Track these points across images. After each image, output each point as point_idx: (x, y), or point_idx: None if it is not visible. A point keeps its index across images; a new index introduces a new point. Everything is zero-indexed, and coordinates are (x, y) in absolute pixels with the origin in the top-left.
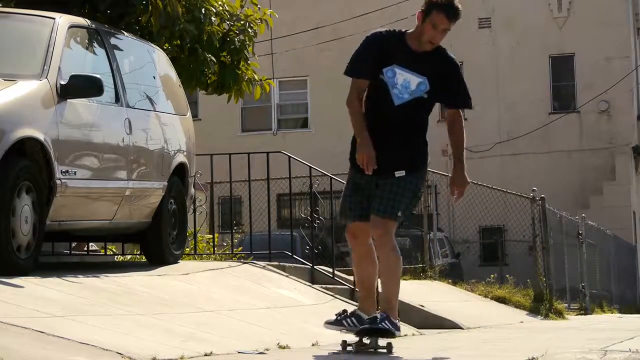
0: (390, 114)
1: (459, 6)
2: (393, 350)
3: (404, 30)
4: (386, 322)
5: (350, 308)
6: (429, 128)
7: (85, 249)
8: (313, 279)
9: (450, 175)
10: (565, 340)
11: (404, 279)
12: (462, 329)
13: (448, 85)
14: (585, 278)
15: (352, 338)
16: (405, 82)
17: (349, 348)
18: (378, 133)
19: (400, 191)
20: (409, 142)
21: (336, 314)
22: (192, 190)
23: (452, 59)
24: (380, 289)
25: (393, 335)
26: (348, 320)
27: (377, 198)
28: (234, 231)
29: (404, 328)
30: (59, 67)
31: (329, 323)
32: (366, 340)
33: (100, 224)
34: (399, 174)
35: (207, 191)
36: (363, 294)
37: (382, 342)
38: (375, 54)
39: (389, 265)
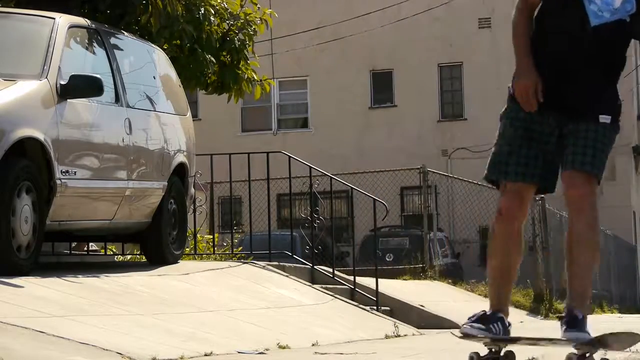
0: (584, 38)
1: None
2: None
3: None
4: (587, 327)
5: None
6: (428, 128)
7: (85, 249)
8: (313, 279)
9: None
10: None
11: (404, 279)
12: None
13: None
14: None
15: (483, 349)
16: None
17: None
18: (565, 61)
19: (607, 142)
20: (607, 79)
21: (475, 319)
22: (192, 190)
23: None
24: (572, 277)
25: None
26: (495, 325)
27: (577, 148)
28: (234, 231)
29: (404, 328)
30: (59, 67)
31: (475, 327)
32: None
33: (100, 224)
34: (605, 119)
35: (207, 191)
36: (503, 288)
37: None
38: None
39: (590, 239)
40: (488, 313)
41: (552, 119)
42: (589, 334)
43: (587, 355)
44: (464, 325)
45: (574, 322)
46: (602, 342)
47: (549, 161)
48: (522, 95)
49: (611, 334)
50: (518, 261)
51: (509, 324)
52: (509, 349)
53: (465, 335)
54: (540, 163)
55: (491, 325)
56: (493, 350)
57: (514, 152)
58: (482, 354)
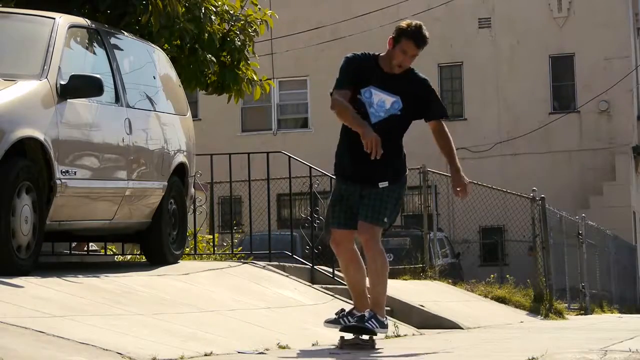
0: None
1: (427, 34)
2: (376, 346)
3: (377, 53)
4: (372, 320)
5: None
6: (428, 128)
7: (85, 249)
8: (313, 279)
9: (450, 178)
10: (565, 340)
11: (404, 279)
12: (462, 329)
13: (421, 102)
14: (585, 278)
15: (351, 335)
16: (381, 102)
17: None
18: (360, 149)
19: (385, 199)
20: (389, 155)
21: (335, 313)
22: (192, 190)
23: (421, 79)
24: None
25: (374, 333)
26: (345, 319)
27: (363, 206)
28: (234, 231)
29: (404, 328)
30: (59, 67)
31: (328, 322)
32: (348, 336)
33: (100, 224)
34: (383, 184)
35: (207, 191)
36: (355, 296)
37: (365, 338)
38: (353, 73)
39: (376, 267)
40: (344, 312)
41: (356, 186)
42: (368, 326)
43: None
44: (325, 320)
45: (360, 319)
46: (351, 329)
47: (356, 213)
48: (370, 147)
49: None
50: (362, 272)
51: (364, 316)
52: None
53: (327, 325)
54: (350, 215)
55: (341, 320)
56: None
57: (334, 210)
58: (346, 338)
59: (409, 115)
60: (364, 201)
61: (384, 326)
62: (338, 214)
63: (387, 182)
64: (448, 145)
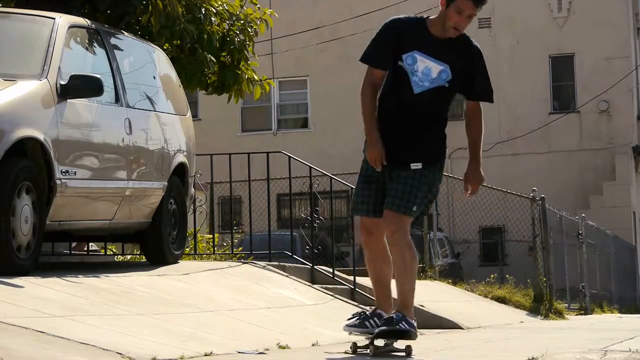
0: (409, 103)
1: None
2: (412, 354)
3: (425, 16)
4: (403, 323)
5: (349, 308)
6: None
7: (85, 249)
8: (313, 279)
9: (466, 172)
10: (565, 340)
11: None
12: (462, 329)
13: (471, 75)
14: (585, 278)
15: (362, 340)
16: (426, 70)
17: (360, 351)
18: (395, 122)
19: (417, 184)
20: (428, 133)
21: (354, 315)
22: (192, 190)
23: (477, 48)
24: (395, 288)
25: (411, 337)
26: (370, 321)
27: (391, 191)
28: (234, 231)
29: None
30: (59, 67)
31: (351, 326)
32: (379, 343)
33: (100, 224)
34: (415, 166)
35: (207, 191)
36: (380, 294)
37: (399, 344)
38: (393, 42)
39: (404, 263)
40: (368, 313)
41: (385, 168)
42: (408, 328)
43: (387, 344)
44: (346, 323)
45: (387, 322)
46: (383, 334)
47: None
48: (372, 161)
49: (388, 330)
50: (389, 270)
51: (390, 318)
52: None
53: (347, 330)
54: (380, 200)
55: (367, 322)
56: (369, 341)
57: (361, 195)
58: (359, 344)
59: (456, 89)
60: (392, 185)
61: (414, 329)
62: (367, 199)
63: (420, 164)
64: (478, 134)
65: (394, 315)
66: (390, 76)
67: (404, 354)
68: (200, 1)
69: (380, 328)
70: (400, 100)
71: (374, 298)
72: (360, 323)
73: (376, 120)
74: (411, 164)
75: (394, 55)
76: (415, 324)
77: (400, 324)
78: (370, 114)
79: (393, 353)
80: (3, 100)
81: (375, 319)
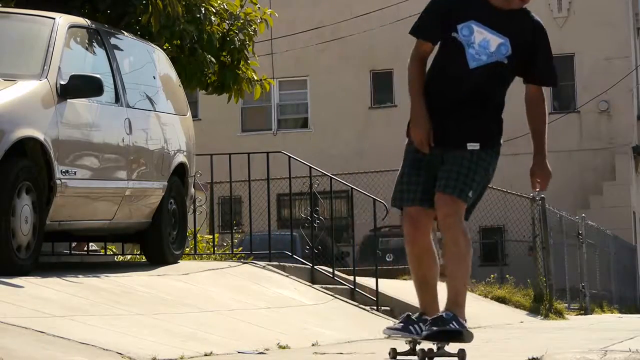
0: (464, 78)
1: None
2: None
3: None
4: (454, 323)
5: (349, 308)
6: None
7: (85, 249)
8: (313, 279)
9: (532, 166)
10: (565, 340)
11: (403, 279)
12: None
13: (533, 54)
14: (585, 278)
15: (403, 345)
16: (484, 42)
17: (400, 358)
18: (447, 99)
19: (474, 167)
20: (483, 113)
21: (400, 320)
22: (192, 190)
23: (540, 24)
24: (447, 284)
25: (465, 339)
26: (415, 326)
27: (444, 173)
28: (234, 231)
29: None
30: (59, 67)
31: (392, 329)
32: (427, 346)
33: (100, 224)
34: (472, 146)
35: (207, 191)
36: (426, 297)
37: (450, 348)
38: (445, 12)
39: (459, 252)
40: (413, 316)
41: (436, 150)
42: (452, 328)
43: (439, 347)
44: (387, 327)
45: (434, 322)
46: (432, 336)
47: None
48: (417, 142)
49: (438, 331)
50: (435, 270)
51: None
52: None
53: (389, 336)
54: (430, 189)
55: (411, 327)
56: (410, 347)
57: (407, 183)
58: (399, 350)
59: (515, 68)
60: (445, 167)
61: (468, 330)
62: (415, 186)
63: (477, 145)
64: (542, 122)
65: (443, 314)
66: (442, 49)
67: (456, 359)
68: (200, 1)
69: (430, 329)
70: (453, 76)
71: (374, 298)
72: (403, 327)
73: (424, 98)
74: (468, 144)
75: (447, 26)
76: (466, 325)
77: (452, 324)
78: (418, 90)
79: (445, 358)
80: (3, 100)
81: (421, 324)
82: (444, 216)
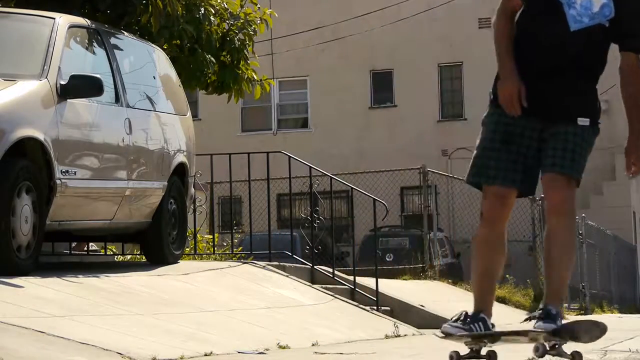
0: (563, 44)
1: None
2: None
3: None
4: (561, 319)
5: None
6: (428, 128)
7: (85, 249)
8: (313, 279)
9: (627, 146)
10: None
11: (404, 279)
12: None
13: (631, 16)
14: (585, 278)
15: (462, 347)
16: (586, 2)
17: None
18: (544, 66)
19: (585, 145)
20: (587, 83)
21: (458, 318)
22: (192, 190)
23: None
24: (550, 276)
25: (581, 338)
26: (476, 325)
27: (552, 151)
28: (234, 231)
29: (404, 328)
30: (59, 67)
31: (454, 326)
32: (495, 348)
33: (100, 224)
34: (583, 122)
35: (207, 191)
36: (487, 288)
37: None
38: None
39: (572, 241)
40: (470, 313)
41: (533, 122)
42: (566, 326)
43: (556, 345)
44: (445, 325)
45: (547, 316)
46: (567, 330)
47: (529, 165)
48: (507, 101)
49: (575, 322)
50: (502, 262)
51: (493, 325)
52: (491, 349)
53: (447, 335)
54: (520, 167)
55: (472, 325)
56: (474, 349)
57: (494, 157)
58: (462, 353)
59: (613, 33)
60: (552, 144)
61: None
62: (504, 163)
63: (588, 120)
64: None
65: (551, 309)
66: (531, 11)
67: None
68: (200, 1)
69: (547, 324)
70: (548, 42)
71: (374, 298)
72: (465, 326)
73: (512, 54)
74: (579, 119)
75: None
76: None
77: (560, 321)
78: (506, 48)
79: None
80: (3, 100)
81: (480, 323)
82: (561, 201)
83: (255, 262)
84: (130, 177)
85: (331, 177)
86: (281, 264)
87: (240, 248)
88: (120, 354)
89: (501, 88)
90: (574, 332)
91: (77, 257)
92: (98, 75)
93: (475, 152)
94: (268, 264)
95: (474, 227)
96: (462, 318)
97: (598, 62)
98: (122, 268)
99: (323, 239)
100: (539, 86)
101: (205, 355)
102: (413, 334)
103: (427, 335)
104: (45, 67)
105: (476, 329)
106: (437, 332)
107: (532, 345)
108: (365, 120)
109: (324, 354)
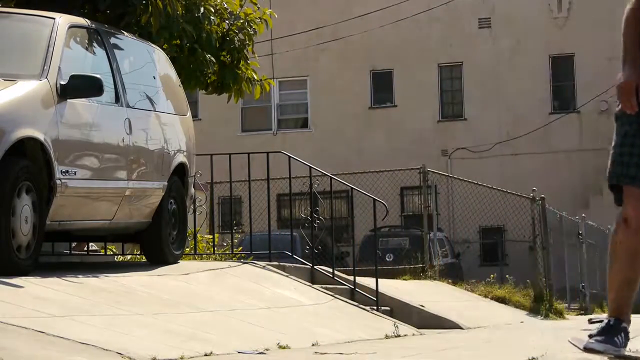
0: None
1: None
2: None
3: None
4: None
5: (349, 308)
6: (428, 128)
7: (85, 249)
8: (313, 279)
9: None
10: (566, 340)
11: (404, 279)
12: (462, 329)
13: None
14: (585, 278)
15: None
16: None
17: None
18: None
19: None
20: None
21: (602, 328)
22: (192, 190)
23: None
24: None
25: None
26: (619, 337)
27: None
28: (234, 231)
29: (404, 328)
30: (59, 67)
31: (599, 340)
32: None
33: (100, 224)
34: None
35: (207, 191)
36: (627, 298)
37: None
38: None
39: None
40: (611, 323)
41: None
42: None
43: None
44: (589, 341)
45: None
46: None
47: None
48: (622, 93)
49: None
50: None
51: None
52: None
53: (590, 351)
54: None
55: (615, 338)
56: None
57: (635, 154)
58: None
59: None
60: None
61: None
62: (638, 161)
63: None
64: None
65: None
66: None
67: None
68: (200, 1)
69: None
70: None
71: (374, 298)
72: (606, 339)
73: (638, 45)
74: None
75: None
76: None
77: None
78: (634, 30)
79: None
80: (3, 100)
81: (622, 335)
82: None
83: (255, 262)
84: (130, 177)
85: (331, 177)
86: (281, 264)
87: (240, 248)
88: (120, 354)
89: (620, 84)
90: None
91: (77, 257)
92: (98, 75)
93: (612, 150)
94: (268, 264)
95: (474, 227)
96: (604, 327)
97: None
98: (122, 268)
99: (323, 239)
100: None
101: (205, 355)
102: (413, 334)
103: (428, 335)
104: (45, 67)
105: (619, 341)
106: (575, 341)
107: None
108: (365, 120)
109: (324, 354)
